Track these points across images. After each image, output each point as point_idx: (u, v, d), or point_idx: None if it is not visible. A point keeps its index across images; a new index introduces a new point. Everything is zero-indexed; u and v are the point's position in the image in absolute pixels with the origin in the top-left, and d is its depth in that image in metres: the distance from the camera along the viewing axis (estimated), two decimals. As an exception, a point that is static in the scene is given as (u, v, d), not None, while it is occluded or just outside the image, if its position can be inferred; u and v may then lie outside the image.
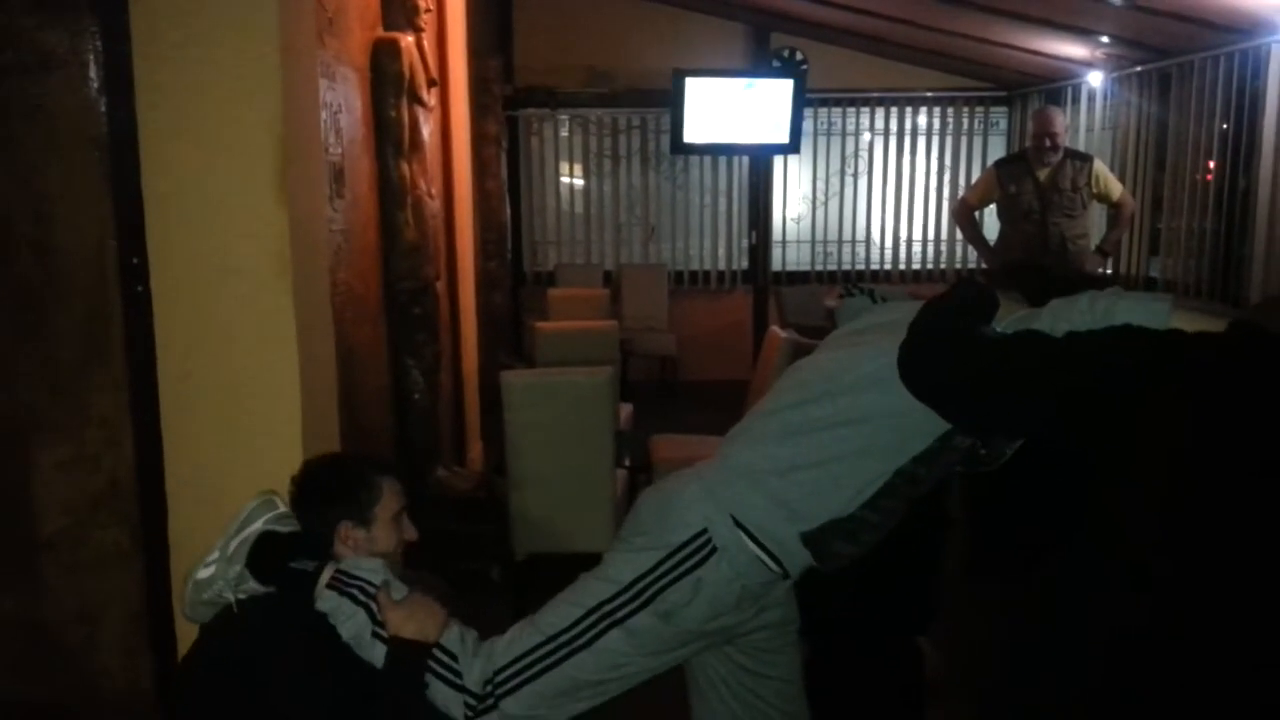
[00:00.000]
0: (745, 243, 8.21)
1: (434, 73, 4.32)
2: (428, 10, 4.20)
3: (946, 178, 8.15)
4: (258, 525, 1.91)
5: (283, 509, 1.98)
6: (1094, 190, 5.41)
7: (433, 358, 4.19)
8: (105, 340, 2.32)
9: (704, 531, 1.88)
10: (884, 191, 8.21)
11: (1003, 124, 8.15)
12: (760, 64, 7.84)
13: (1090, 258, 5.48)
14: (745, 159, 8.04)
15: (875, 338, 1.92)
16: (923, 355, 1.80)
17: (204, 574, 1.88)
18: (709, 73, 7.17)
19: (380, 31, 3.80)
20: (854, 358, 1.93)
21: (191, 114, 2.27)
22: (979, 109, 8.10)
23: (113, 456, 2.35)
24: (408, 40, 3.88)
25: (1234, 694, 1.48)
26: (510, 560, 3.69)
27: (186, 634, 2.22)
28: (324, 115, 2.95)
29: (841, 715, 2.36)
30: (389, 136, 3.79)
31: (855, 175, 8.23)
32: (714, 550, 1.88)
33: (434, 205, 4.27)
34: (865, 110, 8.11)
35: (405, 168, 3.88)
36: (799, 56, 7.87)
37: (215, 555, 1.88)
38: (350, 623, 1.86)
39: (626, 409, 5.04)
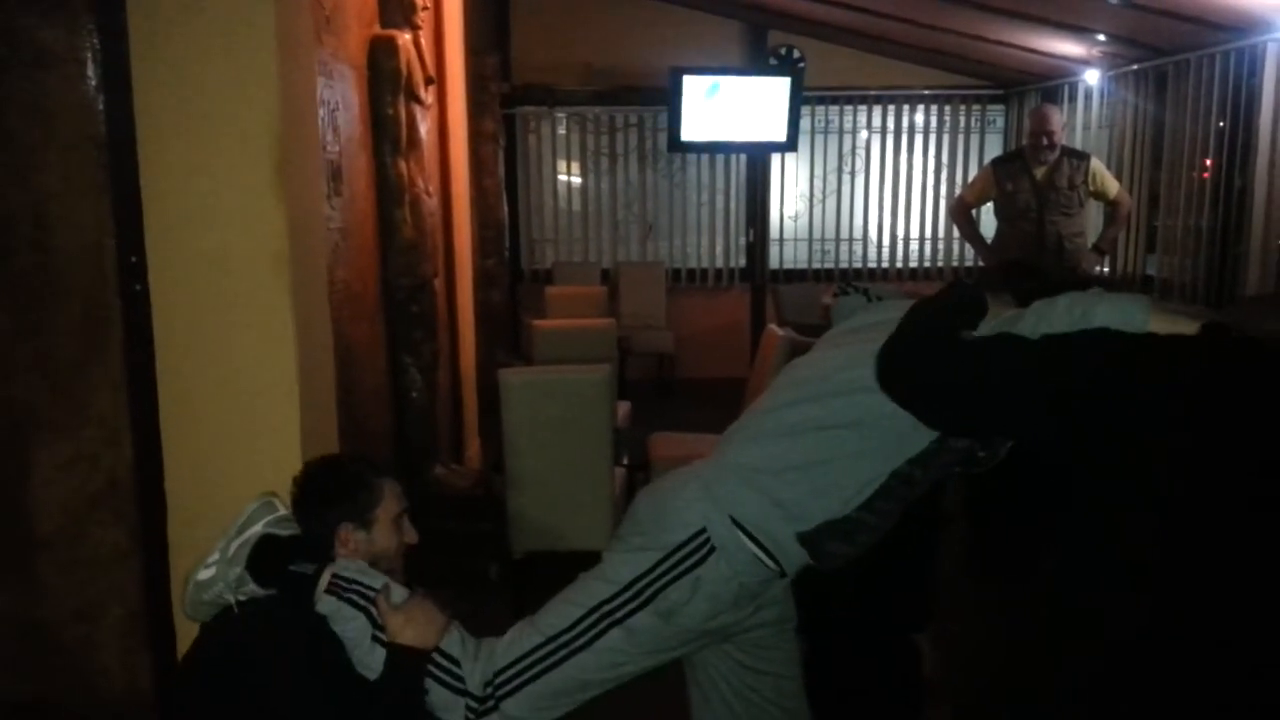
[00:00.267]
0: (743, 240, 8.21)
1: (431, 70, 4.31)
2: (425, 8, 4.19)
3: (944, 176, 8.16)
4: (258, 528, 1.91)
5: (283, 511, 1.98)
6: (1091, 188, 5.41)
7: (431, 355, 4.18)
8: (104, 339, 2.32)
9: (702, 531, 1.89)
10: (881, 189, 8.22)
11: (1000, 122, 8.15)
12: (757, 62, 7.84)
13: (1087, 256, 5.49)
14: (743, 157, 8.04)
15: (870, 336, 1.92)
16: (898, 360, 1.82)
17: (204, 575, 1.88)
18: (706, 70, 7.17)
19: (377, 29, 3.80)
20: (849, 358, 1.93)
21: (189, 112, 2.27)
22: (976, 107, 8.10)
23: (111, 455, 2.35)
24: (405, 38, 3.88)
25: (1233, 694, 1.48)
26: (508, 558, 3.69)
27: (185, 633, 2.22)
28: (321, 113, 2.95)
29: (840, 713, 2.36)
30: (386, 134, 3.78)
31: (852, 173, 8.23)
32: (712, 549, 1.88)
33: (431, 203, 4.27)
34: (862, 108, 8.12)
35: (403, 165, 3.88)
36: (796, 54, 7.87)
37: (216, 557, 1.88)
38: (350, 626, 1.86)
39: (624, 407, 5.04)
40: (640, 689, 2.02)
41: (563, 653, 1.91)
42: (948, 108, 8.08)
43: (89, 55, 2.24)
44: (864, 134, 8.19)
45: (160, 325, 2.32)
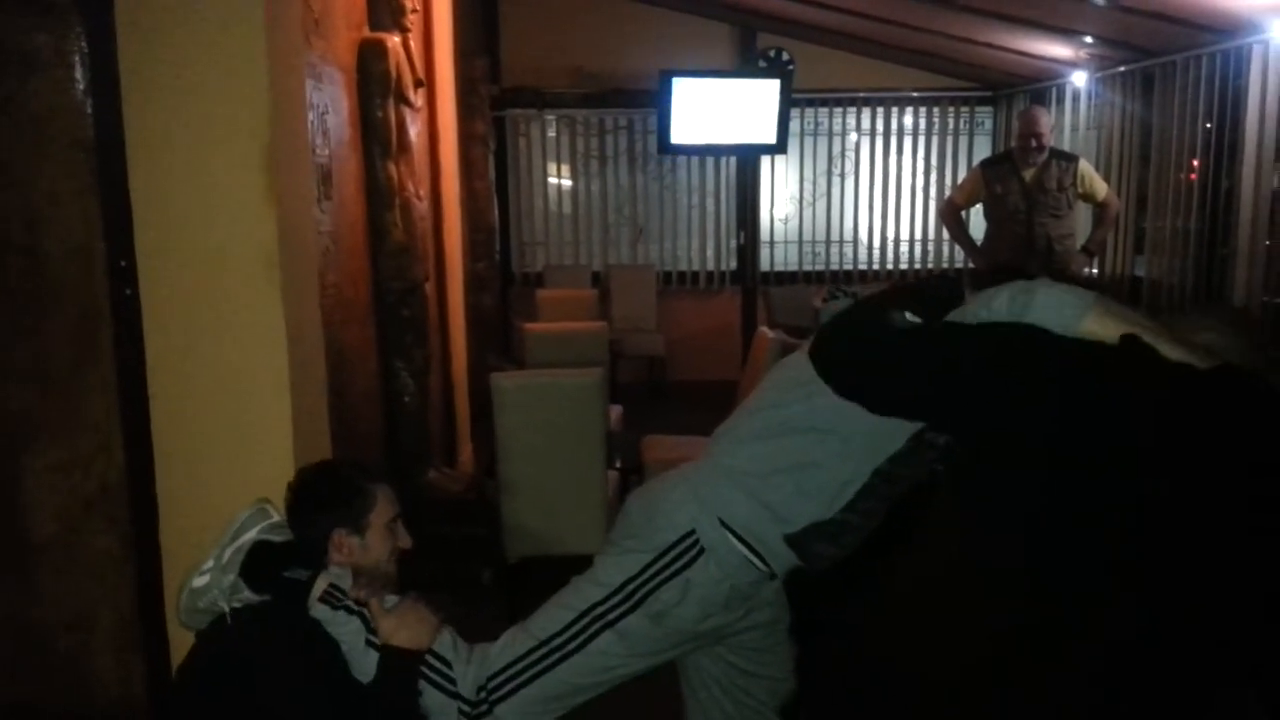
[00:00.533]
0: (733, 243, 8.23)
1: (421, 73, 4.31)
2: (414, 10, 4.19)
3: (933, 178, 8.18)
4: (252, 534, 1.91)
5: (276, 518, 1.98)
6: (1079, 190, 5.44)
7: (422, 359, 4.18)
8: (94, 343, 2.31)
9: (691, 533, 1.90)
10: (871, 191, 8.24)
11: (988, 124, 8.18)
12: (747, 64, 7.86)
13: (1076, 257, 5.52)
14: (733, 159, 8.05)
15: None
16: (824, 342, 1.88)
17: (199, 582, 1.88)
18: (696, 73, 7.18)
19: (366, 32, 3.80)
20: None
21: (178, 116, 2.26)
22: (965, 109, 8.13)
23: (104, 460, 2.34)
24: (394, 41, 3.88)
25: (1224, 696, 1.49)
26: (501, 563, 3.68)
27: (178, 638, 2.21)
28: (311, 116, 2.95)
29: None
30: (376, 137, 3.78)
31: (842, 175, 8.25)
32: (701, 551, 1.89)
33: (422, 206, 4.27)
34: (852, 110, 8.14)
35: (393, 169, 3.88)
36: (785, 56, 7.89)
37: (210, 564, 1.88)
38: (344, 631, 1.86)
39: (616, 410, 5.04)
40: (633, 692, 2.02)
41: (555, 656, 1.92)
42: (936, 110, 8.11)
43: (77, 59, 2.24)
44: (853, 136, 8.21)
45: (151, 330, 2.32)
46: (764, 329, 4.71)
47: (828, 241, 8.29)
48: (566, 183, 8.20)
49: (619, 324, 7.33)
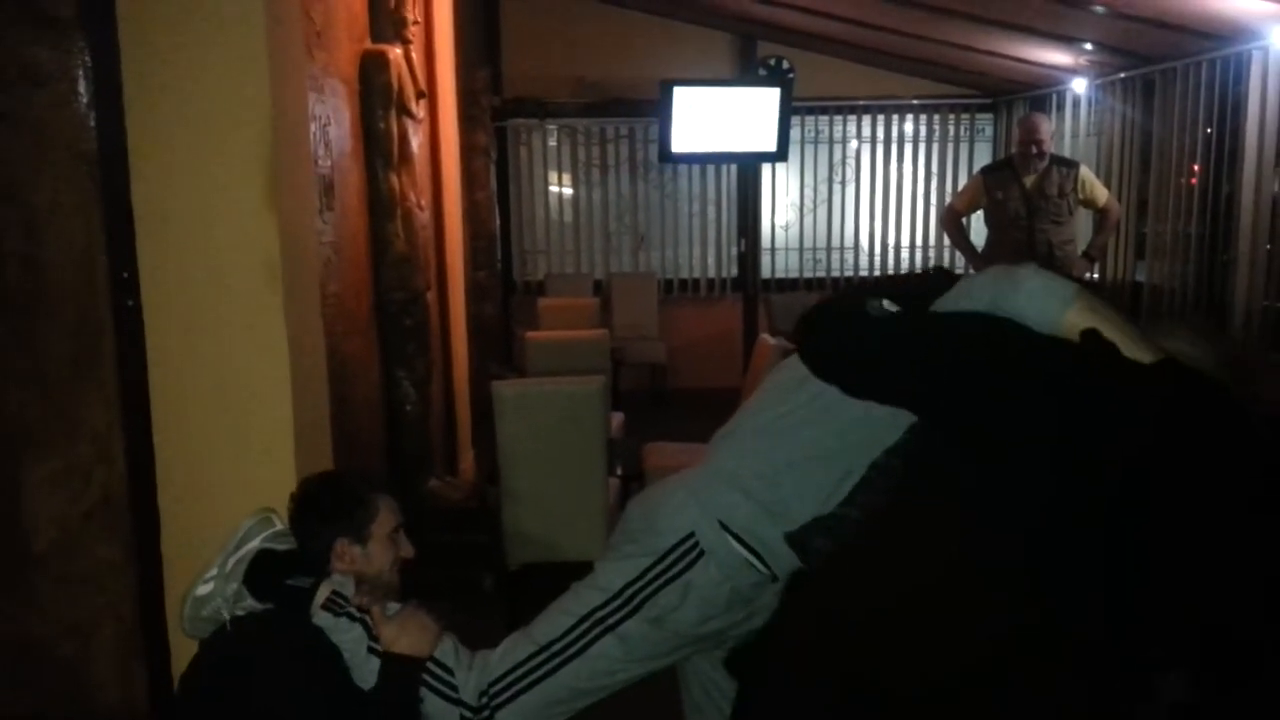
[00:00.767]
0: (734, 250, 8.24)
1: (422, 85, 4.33)
2: (415, 22, 4.21)
3: (933, 185, 8.19)
4: (255, 543, 1.92)
5: (280, 526, 1.99)
6: (1080, 196, 5.45)
7: (424, 368, 4.19)
8: (96, 354, 2.32)
9: (691, 535, 1.90)
10: (871, 199, 8.25)
11: (989, 131, 8.20)
12: (747, 73, 7.87)
13: (1077, 263, 5.52)
14: (733, 167, 8.07)
15: None
16: (804, 327, 1.91)
17: (202, 591, 1.89)
18: (696, 82, 7.20)
19: (368, 44, 3.82)
20: None
21: (181, 128, 2.27)
22: (965, 116, 8.15)
23: (104, 470, 2.35)
24: (396, 52, 3.90)
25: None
26: (503, 570, 3.69)
27: (180, 647, 2.22)
28: (313, 128, 2.96)
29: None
30: (378, 148, 3.80)
31: (843, 183, 8.27)
32: (701, 554, 1.89)
33: (423, 216, 4.28)
34: (852, 118, 8.16)
35: (394, 179, 3.89)
36: (786, 65, 7.91)
37: (213, 572, 1.89)
38: (347, 638, 1.87)
39: (618, 418, 5.05)
40: (633, 695, 2.03)
41: (556, 661, 1.92)
42: (937, 117, 8.12)
43: (80, 72, 2.25)
44: (854, 143, 8.23)
45: (153, 340, 2.32)
46: (765, 336, 4.72)
47: (828, 248, 8.30)
48: (568, 191, 8.22)
49: (620, 332, 7.33)
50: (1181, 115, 5.63)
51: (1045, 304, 1.62)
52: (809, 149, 8.20)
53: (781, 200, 8.30)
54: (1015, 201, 5.44)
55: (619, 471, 4.10)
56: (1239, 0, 4.57)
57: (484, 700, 1.92)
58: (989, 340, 1.64)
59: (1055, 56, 6.31)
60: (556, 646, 1.93)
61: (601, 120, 8.00)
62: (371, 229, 3.82)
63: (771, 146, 7.16)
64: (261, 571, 1.87)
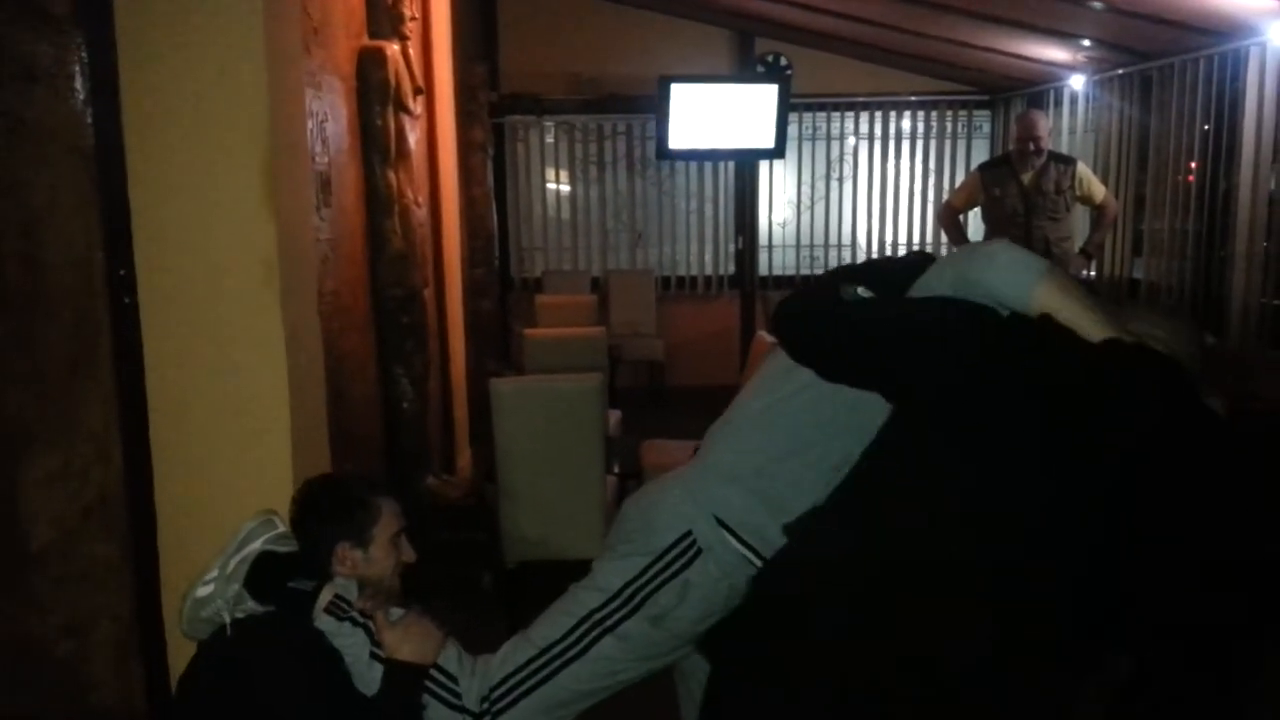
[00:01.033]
0: (732, 247, 8.24)
1: (420, 81, 4.32)
2: (413, 18, 4.20)
3: (931, 181, 8.19)
4: (257, 545, 1.91)
5: (282, 529, 1.98)
6: (1077, 193, 5.45)
7: (421, 366, 4.18)
8: (93, 351, 2.31)
9: (688, 534, 1.90)
10: (869, 195, 8.25)
11: (986, 127, 8.19)
12: (745, 69, 7.87)
13: (1074, 260, 5.53)
14: (731, 164, 8.06)
15: None
16: (779, 311, 1.93)
17: (203, 592, 1.88)
18: (694, 79, 7.19)
19: (366, 40, 3.81)
20: None
21: (178, 124, 2.26)
22: (962, 113, 8.14)
23: (102, 469, 2.34)
24: (393, 49, 3.89)
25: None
26: (501, 568, 3.68)
27: (177, 647, 2.22)
28: (310, 124, 2.96)
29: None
30: (375, 145, 3.79)
31: (840, 179, 8.26)
32: (699, 551, 1.89)
33: (421, 213, 4.27)
34: (850, 115, 8.15)
35: (392, 176, 3.88)
36: (783, 61, 7.90)
37: (214, 574, 1.88)
38: (349, 643, 1.86)
39: (615, 415, 5.05)
40: (633, 697, 2.02)
41: (556, 664, 1.92)
42: (935, 114, 8.12)
43: (77, 69, 2.24)
44: (851, 140, 8.22)
45: (150, 338, 2.32)
46: (763, 333, 4.71)
47: (826, 245, 8.30)
48: (565, 188, 8.22)
49: (618, 329, 7.34)
50: (1179, 111, 5.63)
51: (1018, 277, 1.63)
52: (807, 146, 8.19)
53: (779, 197, 8.29)
54: (1013, 198, 5.44)
55: (617, 469, 4.10)
56: (1237, -3, 4.57)
57: (485, 705, 1.92)
58: (964, 322, 1.64)
59: (1053, 53, 6.30)
60: (556, 649, 1.92)
61: (599, 117, 7.99)
62: (369, 226, 3.81)
63: (769, 143, 7.16)
64: (263, 574, 1.87)
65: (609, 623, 1.91)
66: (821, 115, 8.14)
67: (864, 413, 1.81)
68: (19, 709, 2.40)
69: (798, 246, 8.33)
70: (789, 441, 1.88)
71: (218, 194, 2.28)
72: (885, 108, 8.10)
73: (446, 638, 1.96)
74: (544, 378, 3.90)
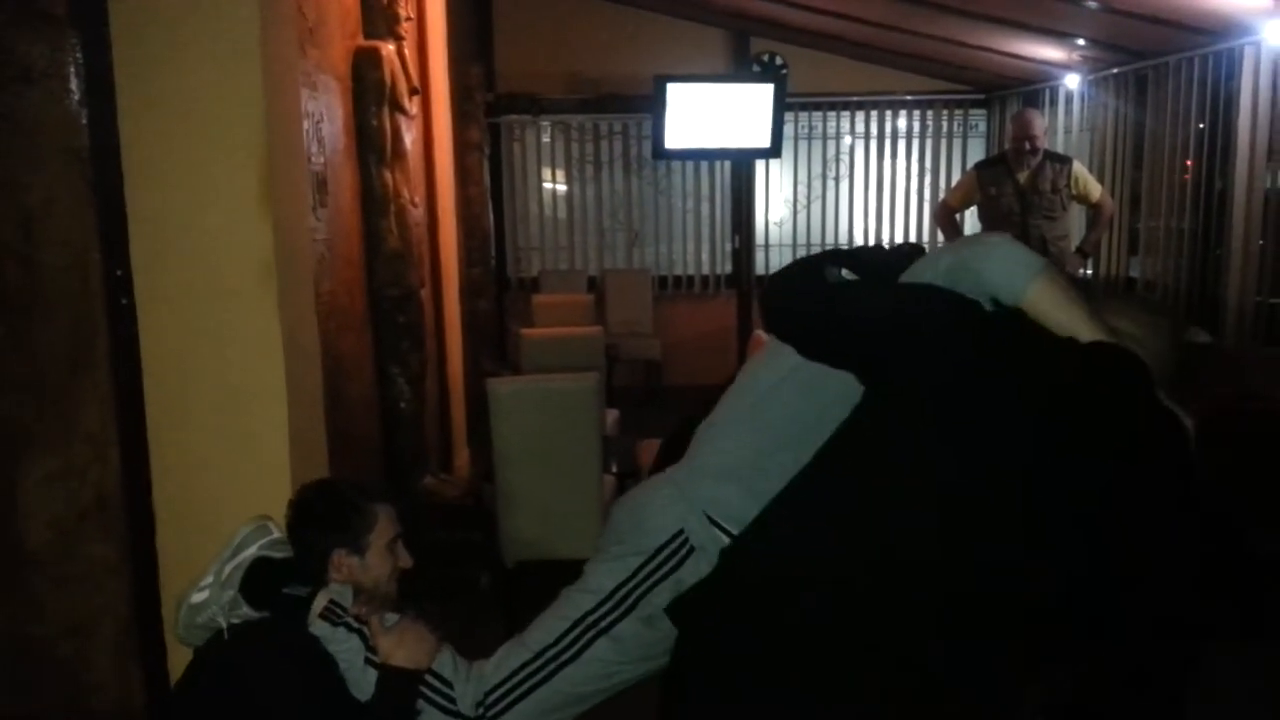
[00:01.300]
0: (728, 247, 8.24)
1: (415, 81, 4.32)
2: (408, 18, 4.20)
3: (927, 180, 8.20)
4: (252, 550, 1.91)
5: (277, 534, 1.98)
6: (1073, 192, 5.46)
7: (418, 365, 4.18)
8: (90, 353, 2.31)
9: (680, 532, 1.89)
10: (865, 194, 8.25)
11: (982, 126, 8.20)
12: (741, 69, 7.87)
13: (1071, 259, 5.53)
14: (727, 163, 8.07)
15: None
16: (766, 291, 1.94)
17: (198, 598, 1.88)
18: (690, 78, 7.19)
19: (361, 40, 3.81)
20: None
21: (174, 125, 2.27)
22: (958, 112, 8.15)
23: (99, 470, 2.34)
24: (389, 49, 3.88)
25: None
26: (499, 568, 3.68)
27: (176, 648, 2.21)
28: (306, 125, 2.96)
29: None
30: (371, 145, 3.79)
31: (836, 179, 8.27)
32: (691, 550, 1.88)
33: (417, 213, 4.27)
34: (845, 114, 8.16)
35: (388, 176, 3.88)
36: (779, 61, 7.90)
37: (209, 579, 1.88)
38: (344, 649, 1.86)
39: (612, 414, 5.05)
40: (634, 695, 2.02)
41: (551, 667, 1.91)
42: (930, 113, 8.13)
43: (72, 70, 2.24)
44: (847, 139, 8.23)
45: (147, 338, 2.32)
46: (759, 332, 4.71)
47: (823, 245, 8.28)
48: (561, 188, 8.21)
49: (615, 328, 7.33)
50: (1174, 110, 5.64)
51: (1013, 270, 1.64)
52: (803, 145, 8.19)
53: (775, 196, 8.30)
54: (1009, 197, 5.45)
55: (614, 468, 4.10)
56: (1231, -5, 4.58)
57: (481, 710, 1.91)
58: (952, 314, 1.64)
59: (1048, 52, 6.31)
60: (551, 653, 1.92)
61: (595, 116, 7.99)
62: (365, 226, 3.81)
63: (765, 142, 7.15)
64: (258, 580, 1.86)
65: (603, 624, 1.91)
66: (817, 115, 8.14)
67: (852, 405, 1.81)
68: (19, 710, 2.40)
69: (794, 246, 8.32)
70: (778, 436, 1.87)
71: (214, 194, 2.28)
72: (881, 107, 8.10)
73: (441, 643, 1.96)
74: (541, 377, 3.90)
